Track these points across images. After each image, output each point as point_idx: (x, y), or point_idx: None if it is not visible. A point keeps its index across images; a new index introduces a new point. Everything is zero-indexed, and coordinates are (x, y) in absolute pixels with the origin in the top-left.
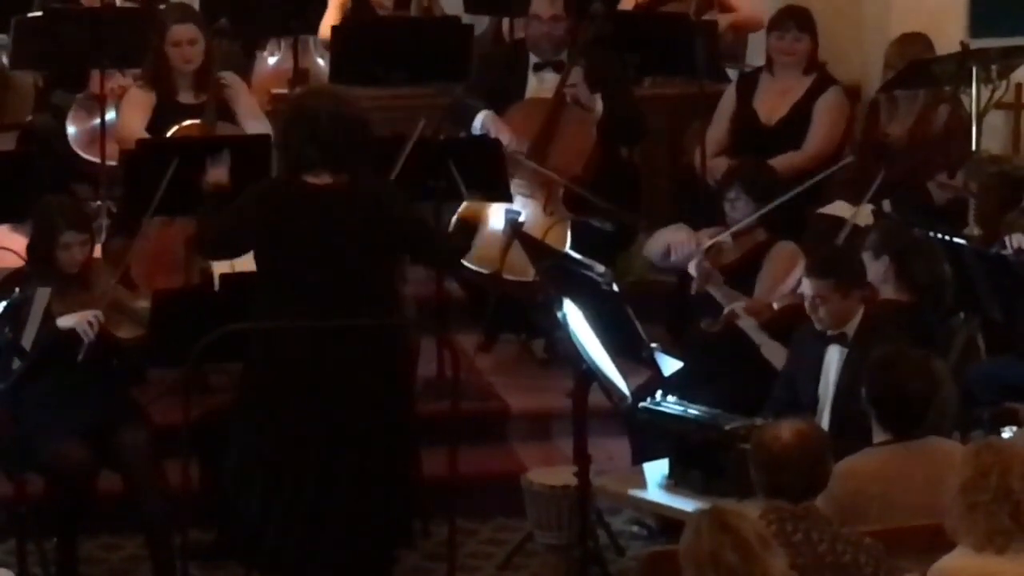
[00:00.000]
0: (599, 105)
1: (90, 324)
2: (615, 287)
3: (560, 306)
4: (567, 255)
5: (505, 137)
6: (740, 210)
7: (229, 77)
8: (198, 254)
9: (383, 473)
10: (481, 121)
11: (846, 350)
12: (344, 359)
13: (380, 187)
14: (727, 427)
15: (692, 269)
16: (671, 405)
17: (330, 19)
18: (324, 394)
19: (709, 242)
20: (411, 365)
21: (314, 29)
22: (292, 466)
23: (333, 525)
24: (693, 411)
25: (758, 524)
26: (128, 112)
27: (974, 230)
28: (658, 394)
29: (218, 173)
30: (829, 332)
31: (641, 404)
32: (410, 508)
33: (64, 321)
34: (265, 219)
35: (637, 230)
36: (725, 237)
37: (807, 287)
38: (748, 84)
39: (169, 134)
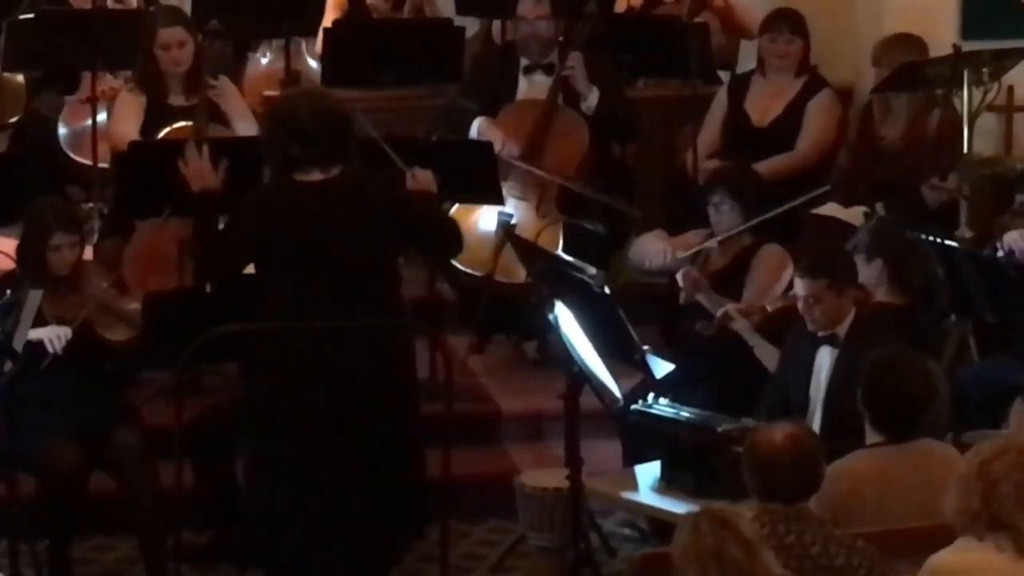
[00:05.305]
0: (594, 96)
1: (58, 338)
2: (607, 289)
3: (552, 308)
4: (559, 257)
5: (497, 142)
6: (725, 214)
7: (219, 80)
8: (202, 278)
9: (387, 475)
10: (477, 127)
11: (837, 351)
12: (346, 359)
13: (372, 177)
14: (719, 429)
15: (679, 279)
16: (663, 408)
17: (328, 24)
18: (327, 395)
19: (683, 254)
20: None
21: (306, 31)
22: (299, 468)
23: (340, 527)
24: (685, 413)
25: (752, 524)
26: (121, 115)
27: (966, 232)
28: (650, 396)
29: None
30: (820, 333)
31: (633, 407)
32: (419, 508)
33: (34, 333)
34: (261, 227)
35: (630, 230)
36: (711, 244)
37: (800, 288)
38: (740, 86)
39: (160, 136)
